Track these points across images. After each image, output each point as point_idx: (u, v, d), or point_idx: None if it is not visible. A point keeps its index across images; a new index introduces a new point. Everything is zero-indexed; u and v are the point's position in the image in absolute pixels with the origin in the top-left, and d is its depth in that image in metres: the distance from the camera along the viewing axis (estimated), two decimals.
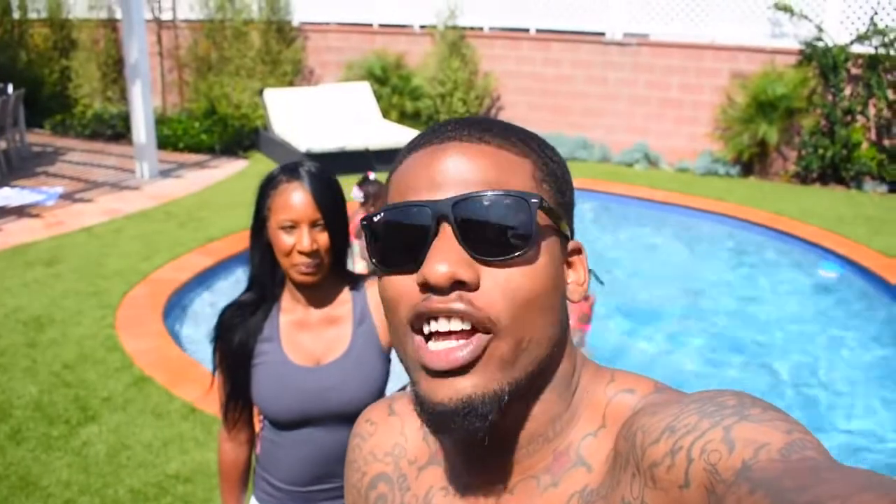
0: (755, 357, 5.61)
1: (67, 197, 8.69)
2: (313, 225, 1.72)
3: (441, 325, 0.68)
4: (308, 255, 1.71)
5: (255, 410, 1.93)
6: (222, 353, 1.87)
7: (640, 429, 0.67)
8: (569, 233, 0.76)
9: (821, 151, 9.64)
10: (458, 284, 0.67)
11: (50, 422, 4.13)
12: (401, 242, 0.71)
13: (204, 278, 6.31)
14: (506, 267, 0.68)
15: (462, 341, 0.67)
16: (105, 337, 5.13)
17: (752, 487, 0.55)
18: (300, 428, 1.82)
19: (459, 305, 0.67)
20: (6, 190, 8.88)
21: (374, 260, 0.74)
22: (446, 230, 0.68)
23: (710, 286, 7.17)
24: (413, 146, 0.76)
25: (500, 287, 0.68)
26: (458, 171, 0.70)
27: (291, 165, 1.78)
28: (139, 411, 4.23)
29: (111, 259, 6.62)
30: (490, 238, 0.68)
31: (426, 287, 0.68)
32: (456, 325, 0.67)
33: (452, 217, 0.68)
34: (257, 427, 1.98)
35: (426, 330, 0.69)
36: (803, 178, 9.92)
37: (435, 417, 0.68)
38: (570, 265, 0.77)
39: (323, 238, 1.73)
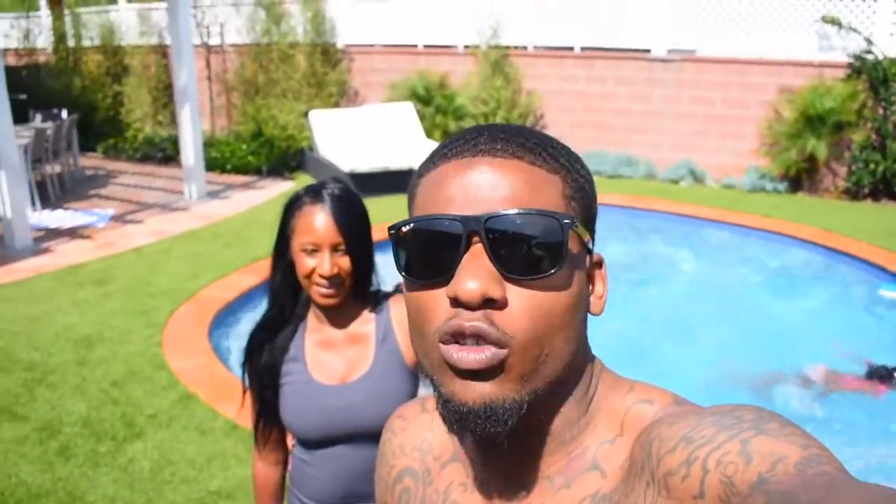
0: (809, 378, 5.48)
1: (118, 218, 8.90)
2: (335, 249, 1.72)
3: (469, 342, 0.68)
4: (328, 278, 1.72)
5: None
6: (251, 374, 1.90)
7: (657, 438, 0.68)
8: (592, 246, 0.77)
9: (872, 166, 9.44)
10: (487, 302, 0.68)
11: (97, 438, 4.20)
12: (430, 255, 0.71)
13: (249, 297, 6.38)
14: (533, 286, 0.69)
15: (481, 350, 0.68)
16: (152, 355, 5.22)
17: (768, 500, 0.55)
18: (327, 447, 1.82)
19: (483, 326, 0.67)
20: (60, 212, 9.12)
21: (401, 271, 0.74)
22: (477, 246, 0.69)
23: (759, 304, 7.04)
24: (444, 154, 0.75)
25: (525, 305, 0.69)
26: (490, 187, 0.70)
27: (316, 187, 1.78)
28: (183, 428, 4.29)
29: (159, 279, 6.74)
30: (520, 257, 0.69)
31: (456, 302, 0.68)
32: (479, 342, 0.68)
33: (485, 234, 0.68)
34: (290, 447, 2.00)
35: (452, 343, 0.70)
36: (854, 193, 9.72)
37: (458, 417, 0.70)
38: (591, 279, 0.78)
39: (344, 262, 1.73)
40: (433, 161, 0.76)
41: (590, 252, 0.77)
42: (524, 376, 0.69)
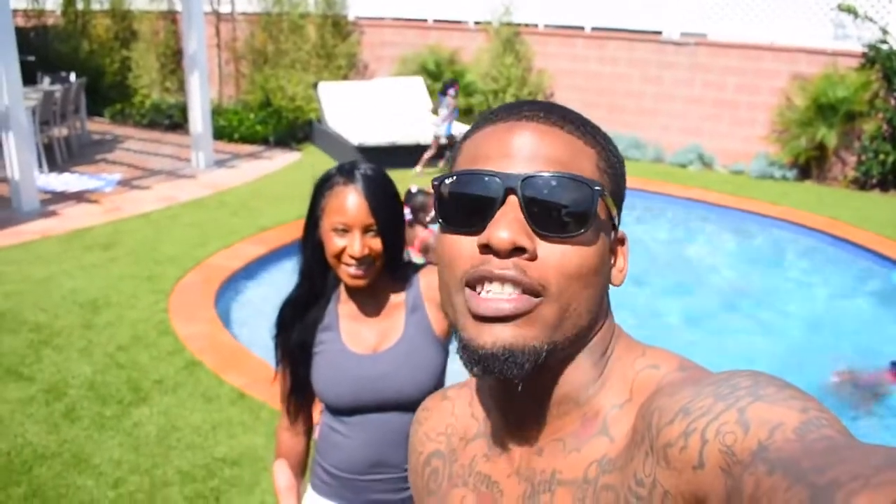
0: (812, 363, 5.50)
1: (125, 184, 8.89)
2: (366, 230, 1.70)
3: (495, 288, 0.72)
4: (358, 259, 1.70)
5: (315, 402, 1.95)
6: (283, 349, 1.90)
7: (657, 409, 0.69)
8: (617, 222, 0.81)
9: (882, 157, 9.41)
10: (516, 251, 0.71)
11: (103, 402, 4.22)
12: (468, 205, 0.75)
13: (256, 266, 6.39)
14: (562, 243, 0.73)
15: (511, 299, 0.72)
16: (158, 321, 5.23)
17: (770, 468, 0.55)
18: (356, 414, 1.83)
19: (512, 272, 0.71)
20: (66, 176, 9.10)
21: (438, 218, 0.79)
22: (512, 201, 0.73)
23: (762, 290, 7.05)
24: (489, 119, 0.80)
25: (554, 259, 0.72)
26: (530, 149, 0.75)
27: (348, 166, 1.75)
28: (189, 395, 4.31)
29: (166, 245, 6.74)
30: (552, 216, 0.72)
31: (487, 249, 0.72)
32: (508, 289, 0.72)
33: (521, 191, 0.72)
34: (316, 418, 2.00)
35: (479, 289, 0.73)
36: (862, 183, 9.69)
37: (477, 360, 0.73)
38: (614, 252, 0.82)
39: (375, 243, 1.71)
40: (478, 125, 0.81)
41: (615, 227, 0.80)
42: (550, 326, 0.73)
